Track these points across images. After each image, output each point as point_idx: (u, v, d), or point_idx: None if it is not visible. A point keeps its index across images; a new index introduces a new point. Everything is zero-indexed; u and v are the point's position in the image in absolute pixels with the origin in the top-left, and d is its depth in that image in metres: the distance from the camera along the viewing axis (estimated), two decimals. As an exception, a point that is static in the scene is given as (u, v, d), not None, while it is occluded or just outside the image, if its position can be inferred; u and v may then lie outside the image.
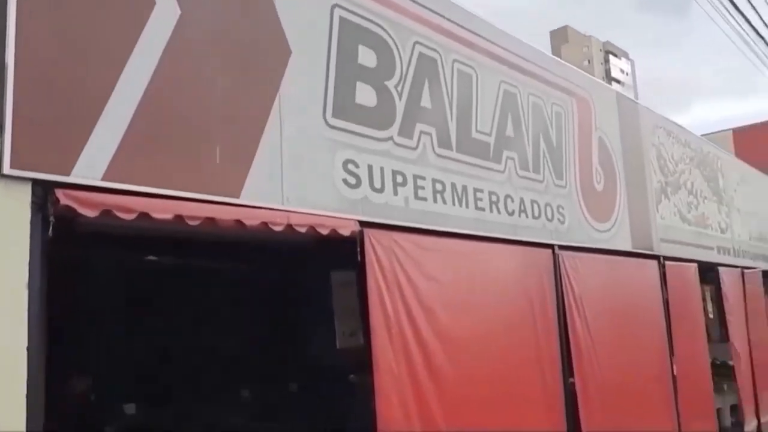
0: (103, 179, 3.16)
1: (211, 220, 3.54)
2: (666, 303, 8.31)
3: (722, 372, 10.32)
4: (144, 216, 3.22)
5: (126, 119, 3.30)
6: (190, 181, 3.55)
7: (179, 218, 3.38)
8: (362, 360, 5.66)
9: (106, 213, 3.09)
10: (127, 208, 3.16)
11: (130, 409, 5.68)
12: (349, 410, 5.88)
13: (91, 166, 3.13)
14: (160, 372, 5.75)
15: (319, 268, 6.03)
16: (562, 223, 6.63)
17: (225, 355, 5.92)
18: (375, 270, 4.43)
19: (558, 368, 6.09)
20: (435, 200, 5.13)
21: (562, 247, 6.44)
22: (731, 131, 23.22)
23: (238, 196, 3.77)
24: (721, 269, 10.11)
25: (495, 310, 5.53)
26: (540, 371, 5.88)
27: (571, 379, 6.24)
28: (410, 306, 4.64)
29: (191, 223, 3.44)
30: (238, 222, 3.68)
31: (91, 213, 3.04)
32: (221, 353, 5.87)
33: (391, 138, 4.86)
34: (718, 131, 23.31)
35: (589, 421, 6.18)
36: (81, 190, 3.05)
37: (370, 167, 4.64)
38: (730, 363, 10.25)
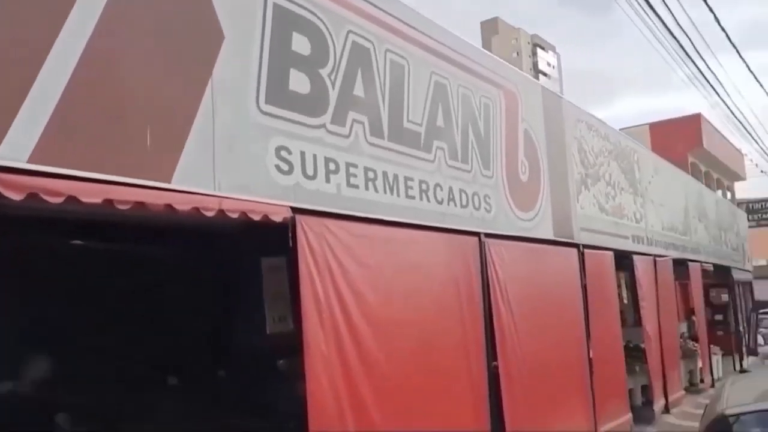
0: (29, 161, 3.09)
1: (141, 205, 3.50)
2: (584, 289, 8.71)
3: (634, 354, 10.92)
4: (72, 200, 3.16)
5: (53, 101, 3.22)
6: (120, 164, 3.49)
7: (108, 202, 3.33)
8: (291, 345, 5.72)
9: (33, 196, 3.01)
10: (55, 192, 3.09)
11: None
12: (278, 395, 5.92)
13: (16, 147, 3.05)
14: (84, 357, 5.61)
15: (250, 254, 6.02)
16: (489, 212, 6.85)
17: (153, 342, 5.83)
18: (306, 256, 4.48)
19: (482, 351, 6.31)
20: (367, 188, 5.21)
21: (488, 235, 6.66)
22: (648, 126, 24.37)
23: (169, 181, 3.73)
24: (635, 257, 10.66)
25: (424, 295, 5.68)
26: (465, 354, 6.09)
27: (494, 363, 6.49)
28: (341, 291, 4.72)
29: (121, 207, 3.39)
30: (169, 207, 3.64)
31: (16, 196, 2.95)
32: (149, 339, 5.79)
33: (323, 125, 4.90)
34: (637, 125, 24.38)
35: (510, 401, 6.45)
36: (5, 173, 2.97)
37: (302, 154, 4.67)
38: (642, 346, 10.85)
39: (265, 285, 6.19)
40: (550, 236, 8.12)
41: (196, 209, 3.79)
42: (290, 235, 4.39)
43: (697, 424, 9.60)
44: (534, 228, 7.76)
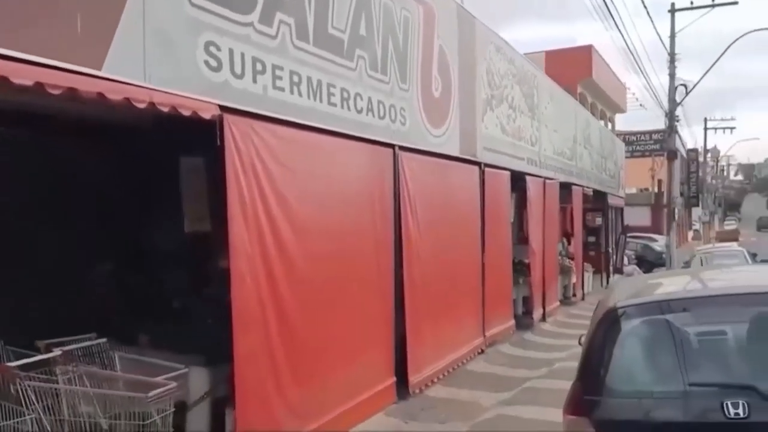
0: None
1: (72, 91, 3.37)
2: (482, 206, 9.22)
3: (519, 269, 11.75)
4: (2, 80, 3.01)
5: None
6: (51, 48, 3.33)
7: (39, 86, 3.19)
8: (208, 245, 5.75)
9: (-39, 74, 2.85)
10: (-15, 70, 2.94)
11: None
12: (195, 294, 5.98)
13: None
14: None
15: (167, 153, 5.87)
16: (404, 125, 7.03)
17: (67, 238, 5.65)
18: (233, 156, 4.50)
19: (391, 259, 6.65)
20: (292, 92, 5.22)
21: (402, 148, 6.87)
22: (544, 53, 25.12)
23: (99, 69, 3.61)
24: (528, 178, 11.31)
25: (341, 202, 5.86)
26: (376, 261, 6.40)
27: (401, 270, 6.84)
28: (265, 193, 4.80)
29: (52, 92, 3.26)
30: (101, 95, 3.52)
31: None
32: (63, 236, 5.60)
33: (251, 24, 4.81)
34: (534, 52, 24.99)
35: (411, 304, 6.87)
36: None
37: (231, 51, 4.59)
38: (526, 261, 11.70)
39: (184, 184, 6.11)
40: (457, 153, 8.46)
41: (127, 100, 3.69)
42: (218, 133, 4.37)
43: (567, 331, 10.76)
44: (443, 144, 8.05)
